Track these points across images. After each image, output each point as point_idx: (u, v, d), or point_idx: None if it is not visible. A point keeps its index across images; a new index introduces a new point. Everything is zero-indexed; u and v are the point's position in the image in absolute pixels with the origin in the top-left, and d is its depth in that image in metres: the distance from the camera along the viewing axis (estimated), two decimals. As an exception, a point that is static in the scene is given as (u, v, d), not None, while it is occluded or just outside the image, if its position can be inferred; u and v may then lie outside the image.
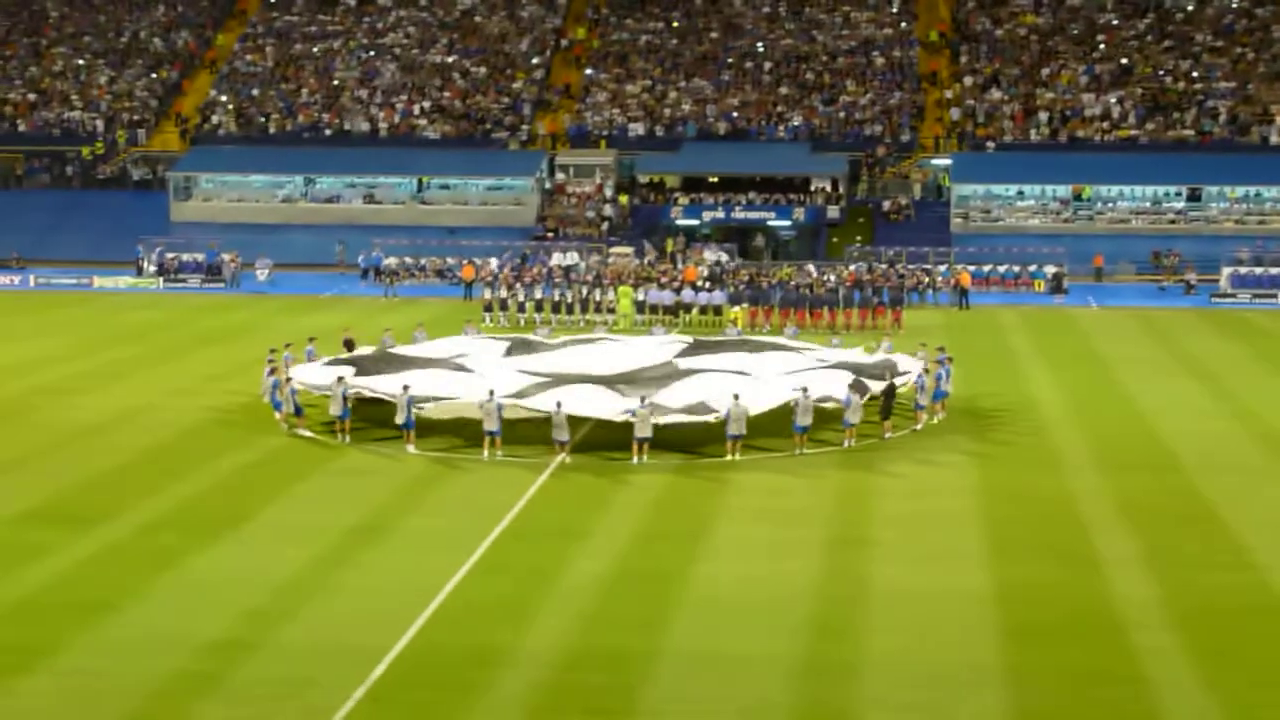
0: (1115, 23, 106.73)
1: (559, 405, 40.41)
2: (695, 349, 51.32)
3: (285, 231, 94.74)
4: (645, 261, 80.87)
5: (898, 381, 44.89)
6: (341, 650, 26.03)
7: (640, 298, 70.27)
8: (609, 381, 44.82)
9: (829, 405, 42.54)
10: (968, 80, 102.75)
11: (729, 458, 40.26)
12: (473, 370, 46.40)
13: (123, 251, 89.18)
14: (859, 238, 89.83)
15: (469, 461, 40.18)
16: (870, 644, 26.51)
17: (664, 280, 73.17)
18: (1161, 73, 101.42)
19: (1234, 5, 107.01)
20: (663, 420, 40.75)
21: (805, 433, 41.36)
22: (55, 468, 39.57)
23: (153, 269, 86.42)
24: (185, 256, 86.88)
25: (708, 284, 72.43)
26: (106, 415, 46.36)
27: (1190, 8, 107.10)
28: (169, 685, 24.67)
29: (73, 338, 63.29)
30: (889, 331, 60.91)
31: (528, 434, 41.37)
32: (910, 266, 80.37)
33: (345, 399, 42.60)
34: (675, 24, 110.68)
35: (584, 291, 71.13)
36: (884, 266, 78.86)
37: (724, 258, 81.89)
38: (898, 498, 36.86)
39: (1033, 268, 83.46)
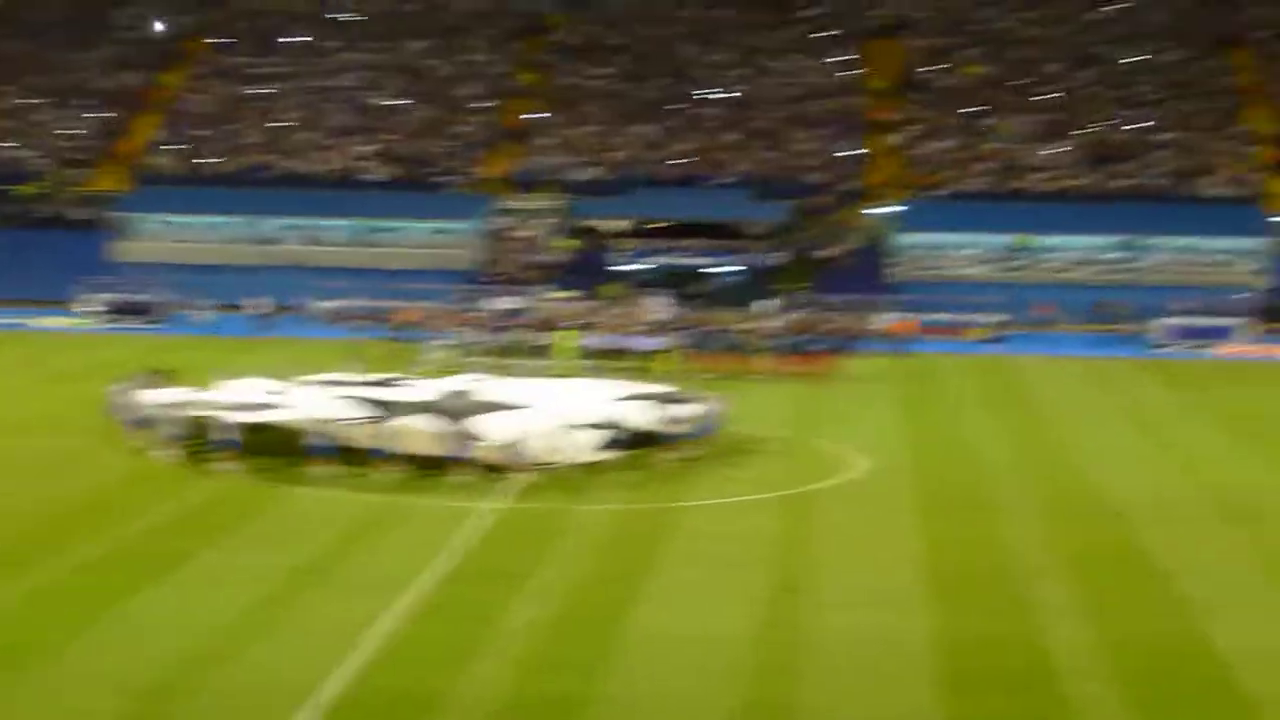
0: (1059, 73, 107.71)
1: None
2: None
3: (227, 272, 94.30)
4: (586, 306, 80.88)
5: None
6: (277, 693, 25.66)
7: (582, 342, 70.12)
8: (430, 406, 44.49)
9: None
10: (912, 129, 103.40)
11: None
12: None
13: (61, 291, 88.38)
14: (800, 284, 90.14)
15: (408, 502, 39.88)
16: (808, 689, 26.38)
17: (605, 325, 73.11)
18: (1104, 124, 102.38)
19: (1176, 59, 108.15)
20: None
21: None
22: (-12, 508, 39.04)
23: (91, 309, 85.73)
24: (125, 296, 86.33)
25: (648, 330, 72.38)
26: (40, 457, 45.83)
27: (1134, 59, 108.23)
28: (99, 730, 24.32)
29: (6, 379, 62.61)
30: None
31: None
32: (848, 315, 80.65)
33: (180, 421, 43.28)
34: (624, 70, 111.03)
35: (526, 335, 70.98)
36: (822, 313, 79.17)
37: (664, 305, 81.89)
38: (836, 543, 36.78)
39: (973, 316, 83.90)
